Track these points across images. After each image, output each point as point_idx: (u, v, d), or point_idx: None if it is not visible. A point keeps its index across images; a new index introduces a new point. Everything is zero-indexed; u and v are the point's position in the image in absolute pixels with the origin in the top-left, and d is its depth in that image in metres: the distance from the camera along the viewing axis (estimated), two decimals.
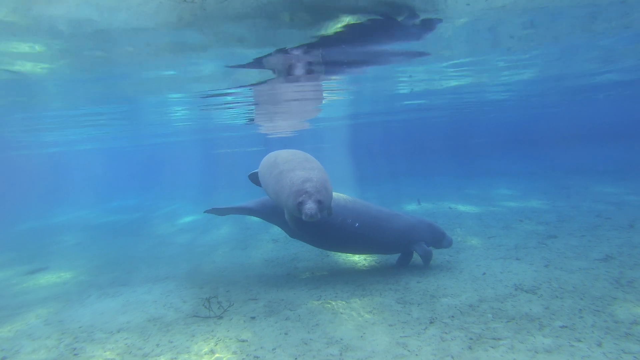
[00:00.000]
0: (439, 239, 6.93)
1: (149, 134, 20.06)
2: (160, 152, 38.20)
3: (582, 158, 26.64)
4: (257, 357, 4.21)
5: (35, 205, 27.06)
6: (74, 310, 6.07)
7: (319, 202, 5.23)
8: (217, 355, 4.33)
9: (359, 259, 7.68)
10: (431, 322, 4.76)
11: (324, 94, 11.54)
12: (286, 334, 4.73)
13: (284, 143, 28.57)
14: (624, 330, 4.26)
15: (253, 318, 5.27)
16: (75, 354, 4.56)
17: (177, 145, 31.36)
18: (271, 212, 6.98)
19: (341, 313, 5.21)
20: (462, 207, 12.51)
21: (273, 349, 4.36)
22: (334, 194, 6.81)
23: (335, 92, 11.61)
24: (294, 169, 5.69)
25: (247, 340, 4.62)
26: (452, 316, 4.90)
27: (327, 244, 6.97)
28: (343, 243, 6.82)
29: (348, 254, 7.92)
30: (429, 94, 13.90)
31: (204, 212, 7.77)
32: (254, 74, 7.95)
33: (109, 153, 35.27)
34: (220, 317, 5.35)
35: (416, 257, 7.43)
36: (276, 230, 10.89)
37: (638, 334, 4.16)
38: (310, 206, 5.13)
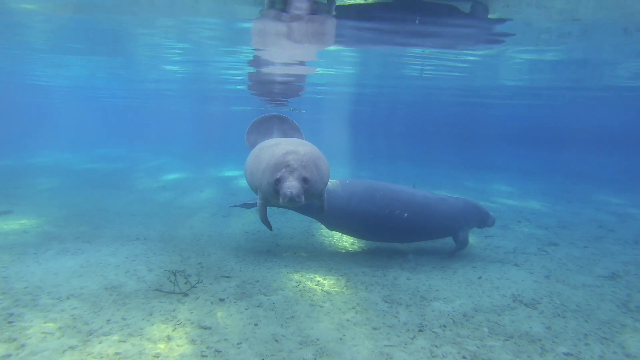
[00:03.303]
0: (484, 219, 6.65)
1: (140, 79, 18.79)
2: (152, 103, 36.83)
3: (587, 163, 26.13)
4: (219, 352, 3.64)
5: (16, 141, 25.99)
6: (25, 266, 5.44)
7: (304, 181, 4.11)
8: (173, 342, 3.75)
9: (346, 243, 7.10)
10: (420, 330, 4.22)
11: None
12: (256, 325, 4.16)
13: (279, 109, 27.41)
14: None
15: (222, 300, 4.69)
16: (9, 322, 3.95)
17: (169, 99, 30.05)
18: (306, 205, 6.29)
19: (320, 306, 4.65)
20: None
21: (238, 343, 3.79)
22: (373, 183, 6.31)
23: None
24: (278, 144, 4.76)
25: (210, 328, 4.04)
26: (444, 326, 4.36)
27: (370, 235, 6.58)
28: (390, 234, 6.38)
29: (334, 233, 7.35)
30: (438, 76, 13.05)
31: (230, 206, 7.63)
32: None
33: (100, 100, 33.87)
34: (186, 295, 4.76)
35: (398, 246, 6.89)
36: None
37: None
38: (290, 184, 3.93)
